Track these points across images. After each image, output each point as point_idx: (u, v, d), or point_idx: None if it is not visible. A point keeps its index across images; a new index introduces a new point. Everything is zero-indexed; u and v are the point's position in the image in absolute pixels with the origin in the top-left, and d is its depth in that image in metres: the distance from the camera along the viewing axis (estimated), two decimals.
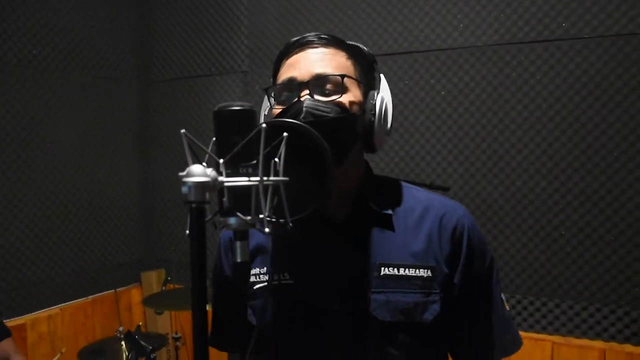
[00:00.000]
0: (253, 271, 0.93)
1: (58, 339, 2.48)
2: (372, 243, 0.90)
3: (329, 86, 0.85)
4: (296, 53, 0.89)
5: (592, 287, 1.92)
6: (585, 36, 1.88)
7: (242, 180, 0.60)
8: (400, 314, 0.86)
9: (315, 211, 0.75)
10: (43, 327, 2.42)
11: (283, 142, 0.64)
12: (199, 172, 0.54)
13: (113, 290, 2.78)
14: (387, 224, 0.91)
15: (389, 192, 0.96)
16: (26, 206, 2.38)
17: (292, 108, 0.83)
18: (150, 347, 2.09)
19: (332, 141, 0.75)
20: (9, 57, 2.30)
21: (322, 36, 0.90)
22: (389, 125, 0.92)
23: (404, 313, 0.86)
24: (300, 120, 0.77)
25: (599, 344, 1.91)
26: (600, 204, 1.89)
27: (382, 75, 0.95)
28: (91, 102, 2.67)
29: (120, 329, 2.16)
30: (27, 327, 2.34)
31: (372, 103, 0.89)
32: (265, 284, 0.91)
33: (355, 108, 0.87)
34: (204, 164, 0.57)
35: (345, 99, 0.86)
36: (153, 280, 2.94)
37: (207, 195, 0.55)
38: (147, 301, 2.40)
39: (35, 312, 2.40)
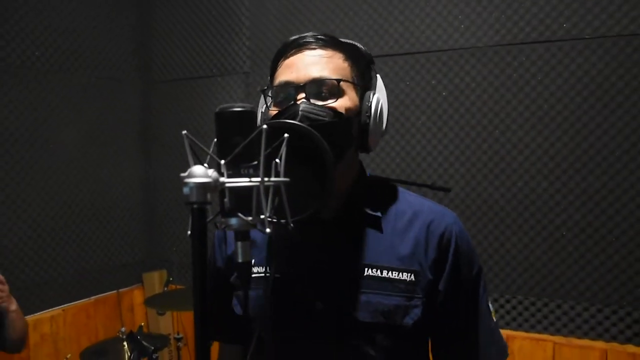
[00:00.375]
0: None
1: (60, 340, 2.48)
2: (358, 244, 0.90)
3: (325, 90, 0.86)
4: (293, 54, 0.90)
5: (593, 288, 1.91)
6: (587, 37, 1.88)
7: (243, 181, 0.61)
8: (380, 315, 0.87)
9: (315, 212, 0.75)
10: (45, 328, 2.43)
11: (284, 143, 0.65)
12: (200, 173, 0.55)
13: (115, 291, 2.79)
14: (376, 225, 0.91)
15: (382, 194, 0.97)
16: (29, 207, 2.39)
17: (288, 111, 0.83)
18: (152, 348, 2.09)
19: (327, 144, 0.75)
20: (12, 58, 2.31)
21: (320, 37, 0.90)
22: (384, 126, 0.93)
23: (384, 315, 0.87)
24: None
25: (600, 344, 1.91)
26: (601, 204, 1.89)
27: (378, 76, 0.95)
28: (93, 103, 2.68)
29: (123, 329, 2.17)
30: (30, 327, 2.35)
31: (367, 104, 0.89)
32: (253, 275, 0.92)
33: (351, 111, 0.87)
34: (206, 164, 0.57)
35: (341, 102, 0.86)
36: (155, 280, 2.94)
37: (209, 196, 0.55)
38: (149, 302, 2.41)
39: (38, 313, 2.41)
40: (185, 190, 0.54)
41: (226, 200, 0.62)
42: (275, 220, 0.70)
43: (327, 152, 0.75)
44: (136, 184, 2.96)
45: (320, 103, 0.85)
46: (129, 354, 2.07)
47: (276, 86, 0.90)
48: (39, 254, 2.43)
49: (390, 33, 2.24)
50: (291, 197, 0.65)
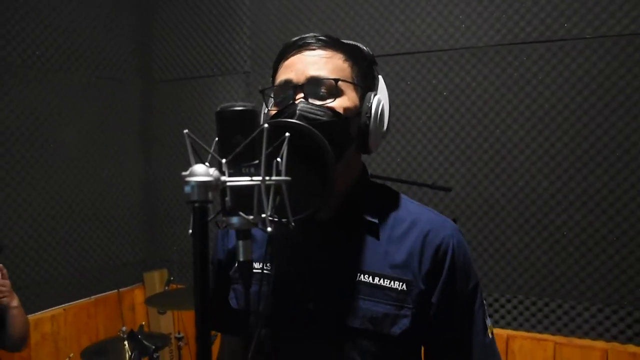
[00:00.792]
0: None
1: (61, 339, 2.49)
2: (353, 248, 0.90)
3: (323, 89, 0.86)
4: (293, 55, 0.90)
5: (594, 288, 1.91)
6: (588, 36, 1.88)
7: (244, 180, 0.61)
8: (368, 322, 0.86)
9: (316, 211, 0.75)
10: (46, 327, 2.43)
11: (285, 142, 0.65)
12: (201, 172, 0.55)
13: (116, 290, 2.79)
14: (372, 231, 0.90)
15: (383, 200, 0.96)
16: (30, 206, 2.39)
17: (286, 110, 0.83)
18: (153, 347, 2.09)
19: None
20: (13, 57, 2.31)
21: (320, 38, 0.90)
22: (384, 127, 0.93)
23: (372, 322, 0.86)
24: None
25: (601, 344, 1.91)
26: (602, 204, 1.89)
27: (380, 77, 0.95)
28: (94, 103, 2.68)
29: (123, 328, 2.17)
30: (31, 327, 2.35)
31: (367, 105, 0.89)
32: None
33: (350, 111, 0.87)
34: (207, 163, 0.57)
35: (339, 102, 0.86)
36: (156, 280, 2.94)
37: (210, 194, 0.55)
38: (150, 301, 2.41)
39: (39, 312, 2.41)
40: (187, 188, 0.54)
41: (227, 199, 0.62)
42: (276, 219, 0.70)
43: (328, 152, 0.75)
44: (137, 183, 2.96)
45: (318, 103, 0.85)
46: (130, 354, 2.07)
47: (276, 86, 0.90)
48: (39, 253, 2.43)
49: (391, 33, 2.24)
50: (292, 196, 0.65)
